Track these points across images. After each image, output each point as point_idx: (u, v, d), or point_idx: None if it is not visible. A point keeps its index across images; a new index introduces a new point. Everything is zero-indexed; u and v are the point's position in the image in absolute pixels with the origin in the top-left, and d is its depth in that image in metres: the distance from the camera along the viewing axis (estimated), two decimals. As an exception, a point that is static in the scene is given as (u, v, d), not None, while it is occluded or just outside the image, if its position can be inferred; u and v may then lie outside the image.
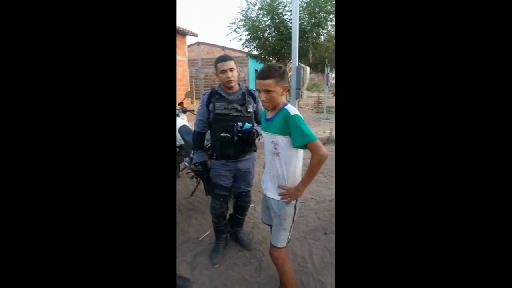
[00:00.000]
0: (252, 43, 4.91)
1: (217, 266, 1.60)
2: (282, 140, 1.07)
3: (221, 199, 1.60)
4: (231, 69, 1.45)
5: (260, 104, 1.67)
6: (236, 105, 1.50)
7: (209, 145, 1.74)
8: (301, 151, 1.11)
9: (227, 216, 1.72)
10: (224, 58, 1.47)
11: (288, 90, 1.23)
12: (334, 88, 16.57)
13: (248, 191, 1.69)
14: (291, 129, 1.02)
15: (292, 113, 1.03)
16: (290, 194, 1.09)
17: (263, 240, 1.86)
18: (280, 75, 1.04)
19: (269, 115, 1.14)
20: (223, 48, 14.07)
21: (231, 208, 1.77)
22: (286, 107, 1.08)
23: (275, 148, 1.09)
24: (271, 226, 1.27)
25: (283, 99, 1.11)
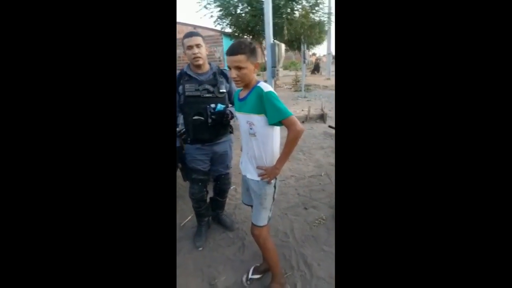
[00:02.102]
0: (224, 20, 4.65)
1: (200, 249, 1.61)
2: (258, 120, 1.04)
3: (200, 184, 1.57)
4: (197, 45, 1.36)
5: (234, 84, 1.61)
6: (207, 86, 1.43)
7: (184, 129, 1.67)
8: (277, 129, 1.09)
9: (208, 200, 1.71)
10: (190, 34, 1.37)
11: (265, 68, 1.19)
12: (312, 66, 16.52)
13: (227, 173, 1.68)
14: (266, 106, 0.99)
15: (265, 90, 1.00)
16: (268, 173, 1.08)
17: (245, 219, 1.89)
18: (251, 50, 0.99)
19: (242, 94, 1.10)
20: (194, 27, 13.31)
21: (211, 191, 1.76)
22: (259, 84, 1.04)
23: (251, 129, 1.07)
24: (252, 206, 1.28)
25: (255, 76, 1.07)
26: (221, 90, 1.45)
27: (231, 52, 0.98)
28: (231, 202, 2.09)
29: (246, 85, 1.06)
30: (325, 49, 13.23)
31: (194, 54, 1.36)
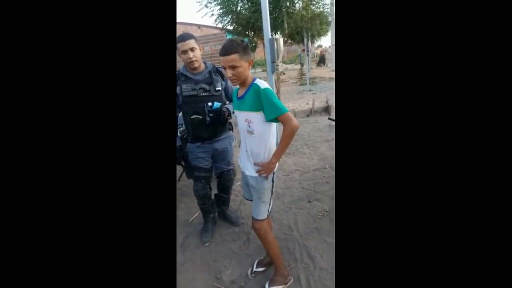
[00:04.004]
0: (225, 18, 4.65)
1: (207, 244, 1.66)
2: (256, 117, 1.06)
3: (203, 181, 1.62)
4: (192, 49, 1.39)
5: (229, 81, 1.63)
6: (203, 85, 1.46)
7: (184, 129, 1.71)
8: (274, 125, 1.12)
9: (212, 196, 1.76)
10: (183, 38, 1.38)
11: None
12: (317, 58, 16.26)
13: (229, 170, 1.71)
14: (263, 102, 1.01)
15: (262, 87, 1.02)
16: (265, 169, 1.11)
17: (250, 215, 1.91)
18: (243, 49, 1.01)
19: (240, 92, 1.12)
20: (199, 26, 13.35)
21: (215, 188, 1.80)
22: (255, 82, 1.06)
23: (249, 126, 1.09)
24: (252, 201, 1.31)
25: (249, 73, 1.09)
26: (217, 88, 1.48)
27: (224, 52, 1.00)
28: (236, 198, 2.12)
29: (243, 83, 1.08)
30: (329, 41, 12.97)
31: (189, 58, 1.39)
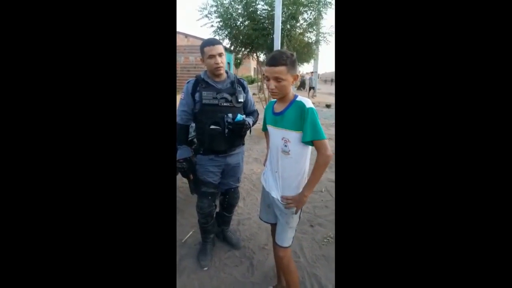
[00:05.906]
0: (223, 31, 4.64)
1: (206, 269, 1.48)
2: (295, 136, 0.98)
3: (209, 198, 1.47)
4: (220, 54, 1.31)
5: (250, 94, 1.56)
6: (225, 95, 1.37)
7: (192, 138, 1.58)
8: (310, 149, 1.05)
9: (214, 215, 1.61)
10: (212, 42, 1.31)
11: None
12: (298, 83, 17.00)
13: (237, 187, 1.60)
14: (306, 121, 0.94)
15: (307, 106, 0.96)
16: (296, 203, 1.02)
17: (251, 237, 1.79)
18: (292, 62, 0.95)
19: (278, 108, 1.04)
20: (186, 35, 13.23)
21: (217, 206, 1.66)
22: (298, 99, 1.00)
23: (285, 145, 1.01)
24: (271, 224, 1.21)
25: (291, 89, 1.03)
26: (239, 100, 1.40)
27: (273, 62, 0.94)
28: (234, 218, 1.97)
29: (283, 98, 1.02)
30: (308, 67, 13.74)
31: (216, 64, 1.31)
